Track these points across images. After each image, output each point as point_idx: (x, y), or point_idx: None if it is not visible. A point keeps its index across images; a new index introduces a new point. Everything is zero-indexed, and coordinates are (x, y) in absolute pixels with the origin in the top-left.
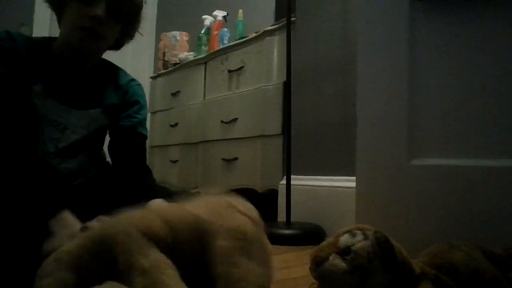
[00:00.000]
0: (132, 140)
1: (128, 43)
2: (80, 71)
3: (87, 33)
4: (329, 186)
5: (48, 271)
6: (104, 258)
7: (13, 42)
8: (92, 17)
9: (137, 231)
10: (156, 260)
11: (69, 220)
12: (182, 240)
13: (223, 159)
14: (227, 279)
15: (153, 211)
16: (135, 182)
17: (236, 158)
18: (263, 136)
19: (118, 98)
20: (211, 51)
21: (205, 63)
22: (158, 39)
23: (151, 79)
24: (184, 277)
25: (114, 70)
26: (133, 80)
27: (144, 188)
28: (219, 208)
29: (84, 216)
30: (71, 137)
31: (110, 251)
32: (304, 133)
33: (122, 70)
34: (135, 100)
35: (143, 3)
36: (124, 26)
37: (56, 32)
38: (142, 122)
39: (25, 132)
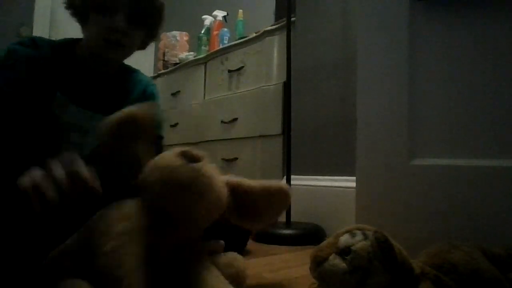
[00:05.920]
0: None
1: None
2: (103, 76)
3: (110, 44)
4: (329, 186)
5: None
6: None
7: (36, 48)
8: (114, 29)
9: None
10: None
11: None
12: None
13: (223, 159)
14: None
15: None
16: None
17: (236, 158)
18: (263, 136)
19: (136, 99)
20: (211, 51)
21: (205, 63)
22: (158, 39)
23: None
24: None
25: (132, 72)
26: (150, 80)
27: None
28: None
29: None
30: (93, 142)
31: None
32: (304, 133)
33: (139, 70)
34: (152, 100)
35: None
36: (149, 29)
37: (55, 33)
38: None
39: (47, 139)
